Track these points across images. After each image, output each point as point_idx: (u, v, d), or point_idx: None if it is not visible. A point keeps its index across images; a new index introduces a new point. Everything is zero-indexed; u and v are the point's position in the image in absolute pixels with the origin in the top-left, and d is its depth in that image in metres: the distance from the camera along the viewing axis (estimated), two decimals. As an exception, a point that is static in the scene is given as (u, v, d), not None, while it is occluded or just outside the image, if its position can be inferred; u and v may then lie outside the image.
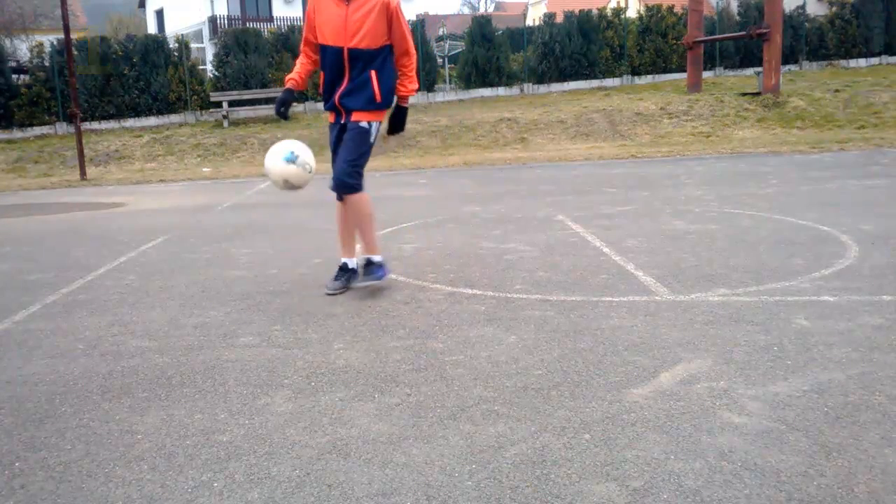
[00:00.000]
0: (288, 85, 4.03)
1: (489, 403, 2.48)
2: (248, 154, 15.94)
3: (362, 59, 3.82)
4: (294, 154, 3.81)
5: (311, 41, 3.98)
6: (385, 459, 2.13)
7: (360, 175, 3.93)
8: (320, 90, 3.98)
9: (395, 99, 4.02)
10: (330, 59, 3.88)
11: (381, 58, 3.88)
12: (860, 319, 3.20)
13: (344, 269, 4.15)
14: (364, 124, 3.91)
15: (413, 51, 3.98)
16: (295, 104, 19.11)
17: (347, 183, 3.90)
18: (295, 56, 19.70)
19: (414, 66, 3.99)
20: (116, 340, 3.39)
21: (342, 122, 3.96)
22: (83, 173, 13.58)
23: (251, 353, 3.11)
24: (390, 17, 3.82)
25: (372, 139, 3.96)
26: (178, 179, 12.89)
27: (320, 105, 20.01)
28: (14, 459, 2.24)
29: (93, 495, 2.00)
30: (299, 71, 4.02)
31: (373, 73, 3.84)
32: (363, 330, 3.38)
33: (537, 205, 7.26)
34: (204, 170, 14.39)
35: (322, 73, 3.96)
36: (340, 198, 4.02)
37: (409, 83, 3.97)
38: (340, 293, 4.05)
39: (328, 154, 4.10)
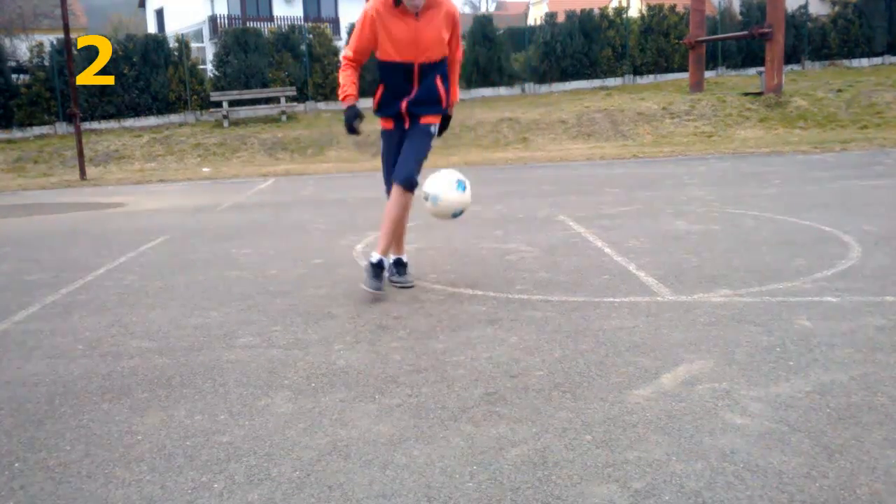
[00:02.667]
0: (349, 102, 3.94)
1: (490, 404, 2.47)
2: (248, 154, 15.94)
3: (431, 70, 3.89)
4: (463, 183, 3.96)
5: (359, 59, 3.94)
6: (386, 461, 2.12)
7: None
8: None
9: (450, 105, 4.12)
10: (394, 74, 3.89)
11: (444, 65, 3.97)
12: (863, 320, 3.19)
13: (399, 263, 4.20)
14: (433, 127, 4.02)
15: (461, 57, 4.15)
16: (295, 104, 19.12)
17: (416, 181, 3.95)
18: (295, 56, 19.79)
19: (458, 74, 4.17)
20: (116, 341, 3.38)
21: (405, 127, 4.01)
22: (83, 173, 13.58)
23: (251, 354, 3.10)
24: (452, 25, 3.91)
25: (433, 141, 4.09)
26: (178, 179, 12.89)
27: (321, 105, 20.03)
28: (14, 460, 2.23)
29: (92, 496, 2.00)
30: (353, 84, 3.94)
31: (438, 78, 3.93)
32: (363, 331, 3.37)
33: (539, 205, 7.25)
34: (204, 170, 14.39)
35: (380, 86, 3.97)
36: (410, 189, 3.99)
37: (456, 90, 4.15)
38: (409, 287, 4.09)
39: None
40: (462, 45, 4.10)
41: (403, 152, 3.98)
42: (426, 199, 3.94)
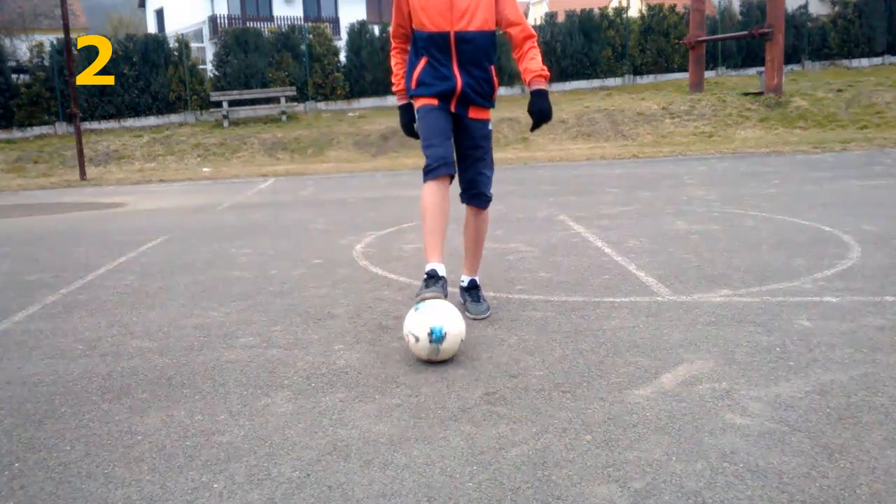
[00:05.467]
0: (400, 100, 3.53)
1: (490, 404, 2.47)
2: (248, 154, 15.94)
3: (472, 44, 3.31)
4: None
5: (403, 32, 3.46)
6: (385, 461, 2.12)
7: None
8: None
9: (530, 81, 3.39)
10: (431, 46, 3.33)
11: (492, 47, 3.40)
12: (862, 320, 3.19)
13: (434, 276, 3.22)
14: (490, 125, 3.51)
15: (534, 32, 3.48)
16: (295, 104, 19.12)
17: (491, 197, 3.57)
18: (295, 56, 19.77)
19: (538, 47, 3.45)
20: (116, 341, 3.38)
21: (451, 109, 3.41)
22: (83, 173, 13.58)
23: (251, 354, 3.10)
24: None
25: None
26: (178, 179, 12.89)
27: (321, 105, 20.01)
28: (13, 460, 2.23)
29: (92, 496, 1.99)
30: (402, 77, 3.52)
31: (492, 67, 3.42)
32: (363, 331, 3.37)
33: (539, 205, 7.25)
34: (204, 170, 14.39)
35: (423, 59, 3.38)
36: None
37: (540, 62, 3.40)
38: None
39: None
40: (523, 16, 3.43)
41: (470, 167, 3.49)
42: (433, 339, 2.86)
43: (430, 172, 3.34)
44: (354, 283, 4.29)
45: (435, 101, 3.39)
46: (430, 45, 3.33)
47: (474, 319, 3.43)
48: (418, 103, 3.45)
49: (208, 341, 3.31)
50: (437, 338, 2.82)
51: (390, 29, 3.53)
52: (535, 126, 3.45)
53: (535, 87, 3.37)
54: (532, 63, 3.38)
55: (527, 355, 2.93)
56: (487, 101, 3.45)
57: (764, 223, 5.62)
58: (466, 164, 3.50)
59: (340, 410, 2.48)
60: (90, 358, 3.14)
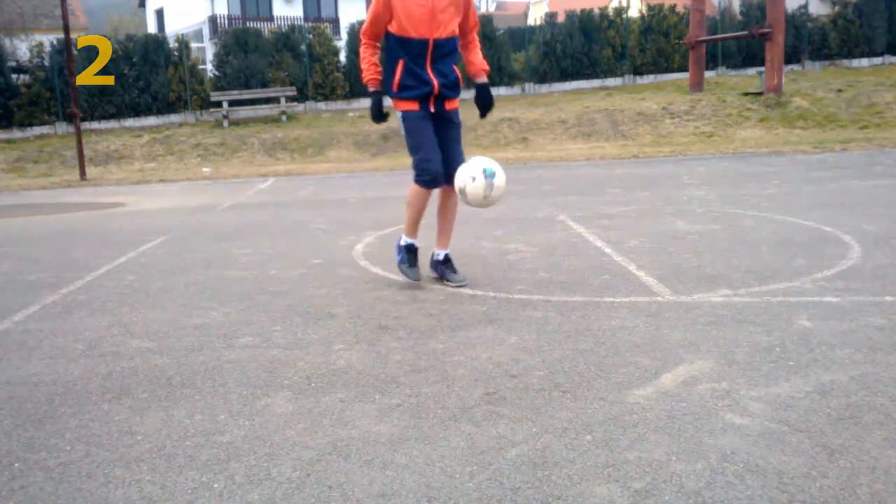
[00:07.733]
0: (373, 87, 3.95)
1: (490, 404, 2.47)
2: (248, 154, 15.94)
3: (444, 48, 3.87)
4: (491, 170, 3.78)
5: (376, 32, 3.90)
6: (386, 460, 2.12)
7: None
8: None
9: (475, 77, 4.10)
10: (410, 49, 3.82)
11: (456, 49, 3.99)
12: (863, 320, 3.19)
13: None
14: (459, 114, 4.08)
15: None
16: (295, 104, 19.12)
17: None
18: (296, 56, 19.77)
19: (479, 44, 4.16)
20: (116, 341, 3.38)
21: (432, 110, 3.94)
22: (83, 173, 13.58)
23: (251, 354, 3.10)
24: (466, 4, 3.92)
25: None
26: (178, 179, 12.89)
27: (321, 105, 20.02)
28: (14, 460, 2.23)
29: (92, 496, 2.00)
30: (375, 67, 3.94)
31: (453, 64, 3.95)
32: (364, 331, 3.37)
33: (538, 205, 7.25)
34: (204, 170, 14.39)
35: (400, 62, 3.85)
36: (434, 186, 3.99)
37: (481, 56, 4.12)
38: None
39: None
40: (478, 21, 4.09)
41: (449, 147, 3.96)
42: (487, 176, 3.71)
43: (422, 183, 3.93)
44: (354, 283, 4.30)
45: (416, 106, 3.91)
46: (408, 48, 3.82)
47: (456, 288, 4.01)
48: (401, 106, 3.94)
49: (208, 341, 3.31)
50: (489, 174, 3.65)
51: (363, 27, 3.94)
52: (484, 115, 4.18)
53: (479, 80, 4.07)
54: (476, 57, 4.08)
55: (527, 355, 2.93)
56: (457, 91, 4.01)
57: (764, 223, 5.62)
58: (446, 146, 3.96)
59: (340, 410, 2.48)
60: (90, 358, 3.14)
